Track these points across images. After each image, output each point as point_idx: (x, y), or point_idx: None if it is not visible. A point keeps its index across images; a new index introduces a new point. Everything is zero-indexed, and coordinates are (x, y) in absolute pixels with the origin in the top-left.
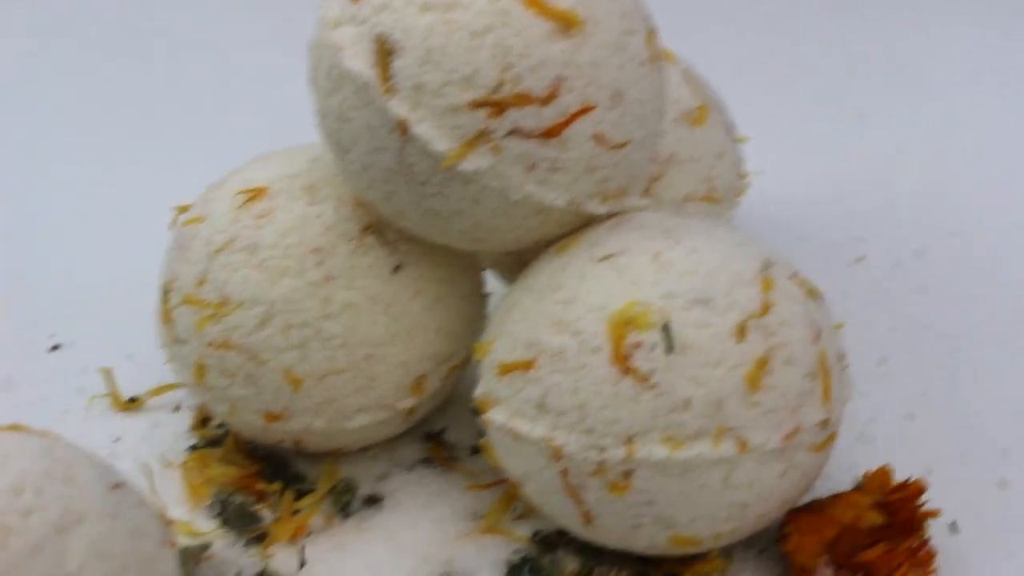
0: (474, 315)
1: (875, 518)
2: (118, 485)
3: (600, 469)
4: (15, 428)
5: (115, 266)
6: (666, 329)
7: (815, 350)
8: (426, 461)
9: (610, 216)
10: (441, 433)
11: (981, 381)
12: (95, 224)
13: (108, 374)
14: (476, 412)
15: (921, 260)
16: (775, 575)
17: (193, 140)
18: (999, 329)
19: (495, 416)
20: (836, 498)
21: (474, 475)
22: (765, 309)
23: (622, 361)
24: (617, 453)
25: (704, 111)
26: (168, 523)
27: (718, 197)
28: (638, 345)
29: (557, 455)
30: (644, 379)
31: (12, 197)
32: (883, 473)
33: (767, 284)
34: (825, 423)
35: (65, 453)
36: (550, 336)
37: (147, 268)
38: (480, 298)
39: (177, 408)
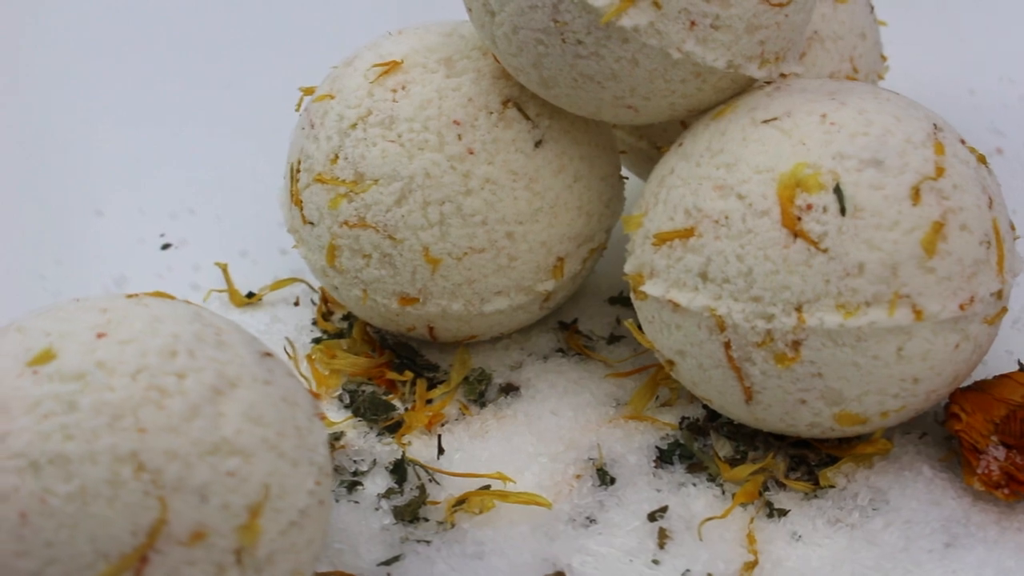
0: (612, 196)
1: None
2: (267, 353)
3: (767, 339)
4: (160, 295)
5: (220, 166)
6: (838, 190)
7: (989, 217)
8: (561, 351)
9: (767, 83)
10: (574, 323)
11: None
12: (197, 124)
13: (224, 269)
14: (616, 299)
15: None
16: (937, 458)
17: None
18: None
19: (651, 289)
20: (1002, 378)
21: (612, 364)
22: (939, 172)
23: (792, 224)
24: (787, 321)
25: None
26: (316, 396)
27: (860, 77)
28: (809, 207)
29: (721, 326)
30: (816, 242)
31: (112, 103)
32: None
33: (939, 147)
34: (999, 294)
35: (214, 319)
36: (713, 201)
37: (252, 166)
38: (618, 180)
39: (296, 302)
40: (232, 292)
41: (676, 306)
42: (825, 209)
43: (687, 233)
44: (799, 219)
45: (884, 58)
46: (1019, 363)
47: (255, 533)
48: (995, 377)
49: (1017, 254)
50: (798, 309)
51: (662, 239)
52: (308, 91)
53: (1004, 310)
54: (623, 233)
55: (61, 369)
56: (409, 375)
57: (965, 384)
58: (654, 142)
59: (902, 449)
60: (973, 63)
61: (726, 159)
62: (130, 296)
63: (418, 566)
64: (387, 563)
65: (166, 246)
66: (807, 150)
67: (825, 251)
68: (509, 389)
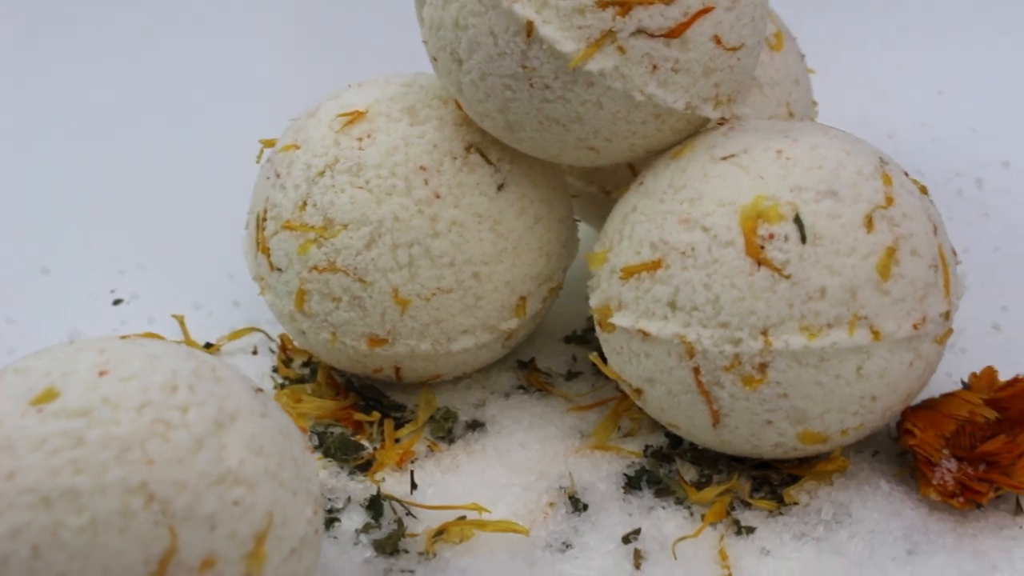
0: (568, 238)
1: (989, 413)
2: (259, 389)
3: (735, 363)
4: (151, 335)
5: (165, 221)
6: (798, 220)
7: (935, 243)
8: (522, 388)
9: (720, 123)
10: (532, 362)
11: None
12: (141, 180)
13: (181, 321)
14: (571, 338)
15: (982, 189)
16: (892, 473)
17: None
18: None
19: (620, 320)
20: (949, 396)
21: (572, 398)
22: (889, 201)
23: (756, 252)
24: (754, 345)
25: (780, 37)
26: (303, 431)
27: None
28: (771, 237)
29: (690, 352)
30: (779, 269)
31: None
32: (989, 373)
33: (887, 179)
34: (947, 315)
35: (206, 357)
36: (678, 234)
37: (198, 220)
38: (572, 223)
39: (255, 351)
40: (189, 343)
41: (646, 335)
42: (787, 238)
43: (655, 265)
44: (762, 248)
45: (815, 103)
46: (962, 382)
47: (261, 560)
48: (942, 395)
49: (959, 278)
50: (764, 333)
51: (629, 272)
52: (268, 143)
53: (950, 331)
54: (586, 271)
55: (66, 406)
56: (376, 415)
57: (915, 403)
58: (603, 187)
59: (858, 467)
60: (891, 109)
61: (689, 194)
62: (123, 337)
63: None
64: None
65: (117, 301)
66: (766, 183)
67: (788, 277)
68: (475, 425)
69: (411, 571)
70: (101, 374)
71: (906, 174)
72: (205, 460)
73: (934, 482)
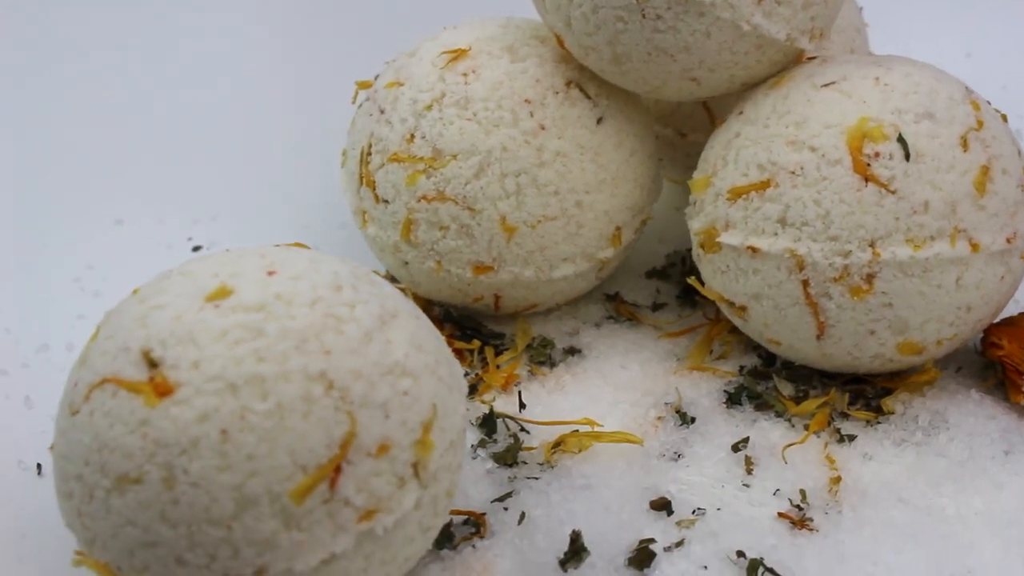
0: (657, 173)
1: None
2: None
3: (844, 274)
4: (300, 245)
5: (236, 173)
6: (902, 139)
7: (1020, 163)
8: (611, 318)
9: (810, 58)
10: (618, 295)
11: None
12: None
13: None
14: (652, 273)
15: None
16: (980, 384)
17: None
18: None
19: (728, 239)
20: None
21: (661, 326)
22: (980, 124)
23: (863, 170)
24: (862, 256)
25: None
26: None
27: None
28: (877, 155)
29: (800, 265)
30: (885, 184)
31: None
32: None
33: (975, 105)
34: None
35: (355, 264)
36: (786, 155)
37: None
38: (658, 160)
39: None
40: None
41: (755, 251)
42: (891, 156)
43: (764, 185)
44: (869, 165)
45: (871, 54)
46: None
47: (429, 448)
48: (1021, 313)
49: None
50: (872, 245)
51: (737, 193)
52: (364, 84)
53: None
54: (659, 214)
55: (242, 302)
56: (477, 343)
57: (996, 321)
58: (679, 129)
59: (947, 380)
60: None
61: (795, 118)
62: (276, 245)
63: (533, 498)
64: (501, 499)
65: (197, 248)
66: (868, 107)
67: (894, 192)
68: (573, 351)
69: (536, 478)
70: (270, 274)
71: (988, 102)
72: (376, 352)
73: (1023, 389)
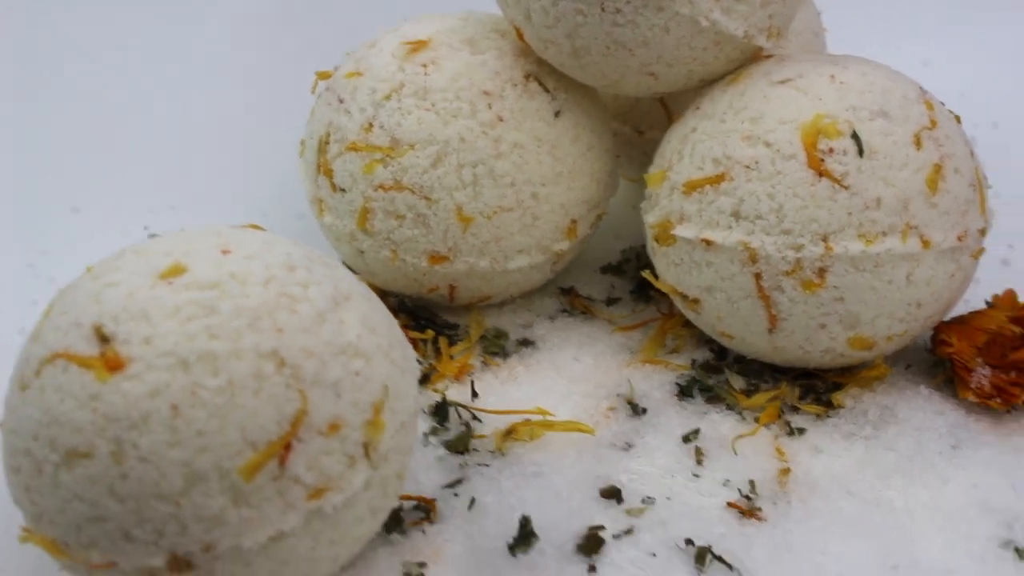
0: (613, 168)
1: (1015, 329)
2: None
3: (796, 268)
4: (254, 227)
5: (197, 163)
6: (856, 136)
7: (972, 164)
8: (566, 311)
9: (767, 56)
10: (572, 289)
11: None
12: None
13: None
14: (607, 268)
15: (976, 145)
16: (929, 381)
17: None
18: None
19: (683, 232)
20: (976, 313)
21: (615, 320)
22: (933, 124)
23: (817, 165)
24: (815, 250)
25: None
26: None
27: None
28: (831, 151)
29: (753, 258)
30: (839, 180)
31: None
32: (1010, 294)
33: (929, 105)
34: (983, 231)
35: (310, 247)
36: (742, 149)
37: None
38: (615, 156)
39: None
40: None
41: (709, 244)
42: (845, 152)
43: (718, 179)
44: (823, 161)
45: None
46: (986, 302)
47: (380, 428)
48: (970, 313)
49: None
50: (824, 239)
51: (693, 186)
52: (324, 75)
53: (983, 249)
54: (614, 214)
55: (196, 279)
56: (431, 333)
57: (946, 319)
58: (637, 127)
59: (896, 376)
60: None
61: (750, 114)
62: (231, 227)
63: (484, 485)
64: (451, 485)
65: (154, 235)
66: (823, 103)
67: (847, 187)
68: (526, 343)
69: (487, 465)
70: (224, 252)
71: (942, 103)
72: (328, 332)
73: (972, 385)
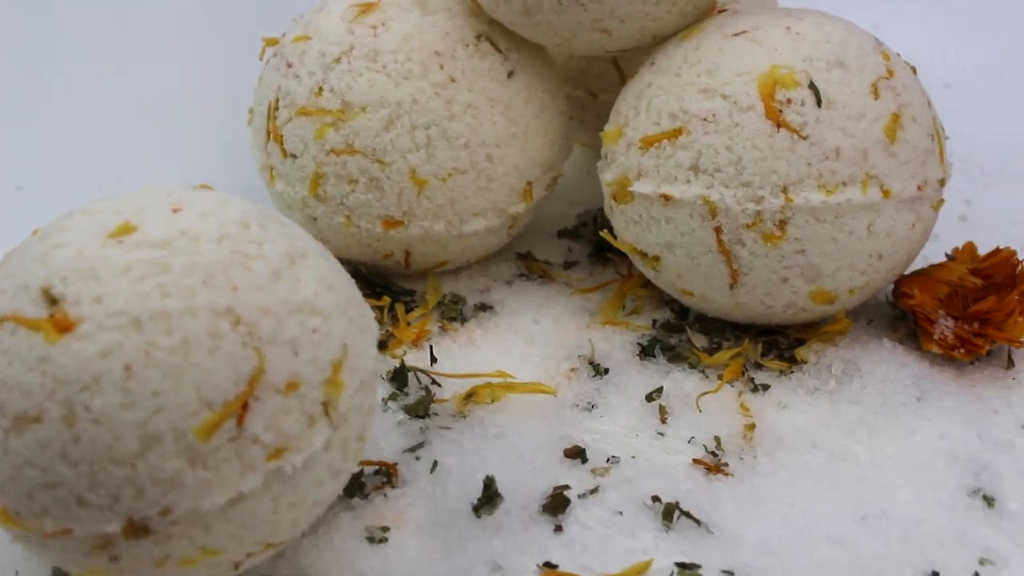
0: (567, 130)
1: (976, 280)
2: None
3: (756, 220)
4: (205, 187)
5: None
6: (813, 86)
7: (930, 114)
8: (523, 276)
9: (720, 11)
10: (529, 254)
11: None
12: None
13: None
14: (564, 232)
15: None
16: (891, 334)
17: None
18: None
19: (641, 187)
20: (937, 266)
21: (573, 283)
22: (890, 73)
23: (775, 116)
24: (775, 202)
25: None
26: None
27: None
28: (789, 102)
29: (713, 212)
30: (797, 131)
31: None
32: (970, 247)
33: (885, 55)
34: (942, 181)
35: (264, 205)
36: (698, 102)
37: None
38: (568, 118)
39: None
40: None
41: (668, 199)
42: (803, 102)
43: (676, 133)
44: (780, 112)
45: None
46: (946, 255)
47: (339, 387)
48: (930, 266)
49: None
50: (784, 191)
51: (649, 142)
52: (271, 41)
53: (942, 200)
54: (569, 178)
55: (146, 238)
56: (387, 300)
57: (907, 273)
58: (590, 89)
59: (858, 331)
60: None
61: (706, 67)
62: (183, 186)
63: (445, 448)
64: (412, 449)
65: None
66: (779, 54)
67: (806, 138)
68: (484, 307)
69: (448, 428)
70: (175, 211)
71: (898, 54)
72: (284, 289)
73: (935, 337)
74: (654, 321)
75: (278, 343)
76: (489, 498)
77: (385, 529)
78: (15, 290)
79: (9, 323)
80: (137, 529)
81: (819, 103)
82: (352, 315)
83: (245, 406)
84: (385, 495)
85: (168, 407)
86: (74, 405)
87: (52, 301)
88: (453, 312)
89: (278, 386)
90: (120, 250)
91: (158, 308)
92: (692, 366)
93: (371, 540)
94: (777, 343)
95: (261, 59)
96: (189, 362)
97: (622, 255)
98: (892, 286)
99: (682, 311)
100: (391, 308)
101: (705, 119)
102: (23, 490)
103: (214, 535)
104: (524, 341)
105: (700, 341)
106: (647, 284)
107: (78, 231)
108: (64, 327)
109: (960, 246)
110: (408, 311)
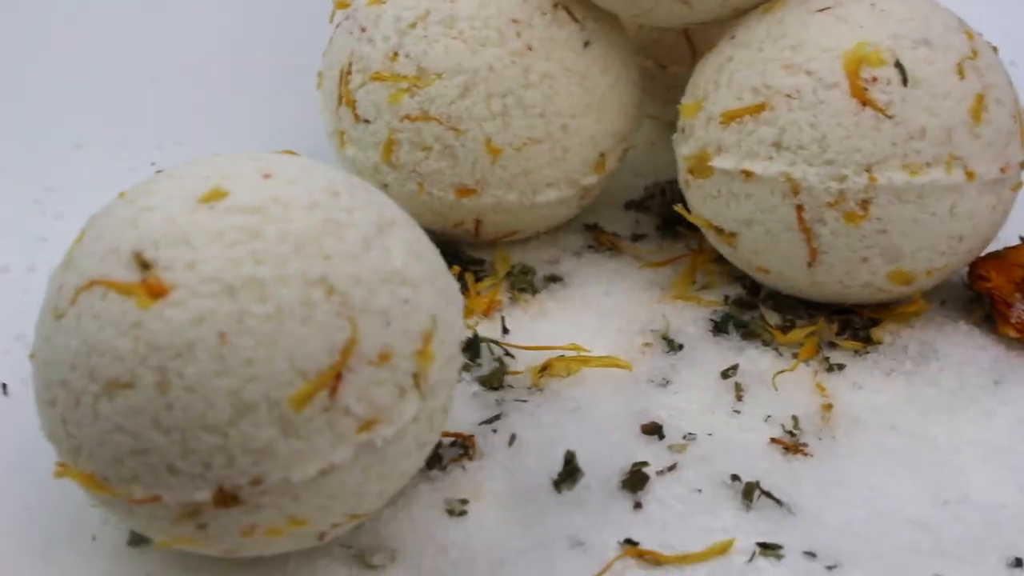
0: (640, 101)
1: None
2: None
3: (839, 199)
4: (290, 152)
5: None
6: (899, 65)
7: (1012, 94)
8: (592, 247)
9: None
10: (597, 225)
11: None
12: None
13: None
14: (631, 204)
15: None
16: (967, 317)
17: None
18: None
19: (721, 163)
20: (1013, 249)
21: (643, 256)
22: (975, 53)
23: (860, 94)
24: (858, 181)
25: None
26: None
27: None
28: (874, 80)
29: (795, 190)
30: (883, 109)
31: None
32: None
33: (969, 34)
34: (1023, 164)
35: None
36: (782, 78)
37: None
38: (641, 89)
39: None
40: None
41: (748, 175)
42: (889, 81)
43: (759, 108)
44: (866, 90)
45: None
46: (1020, 237)
47: (429, 358)
48: (1005, 248)
49: None
50: (868, 170)
51: (730, 116)
52: (342, 4)
53: (1022, 183)
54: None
55: (237, 204)
56: (457, 269)
57: (982, 255)
58: (660, 61)
59: (933, 313)
60: None
61: (790, 42)
62: (267, 152)
63: (522, 421)
64: (489, 421)
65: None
66: (865, 31)
67: (891, 117)
68: (554, 279)
69: (524, 400)
70: (265, 177)
71: (980, 34)
72: (375, 259)
73: (1012, 320)
74: (726, 297)
75: (370, 313)
76: (570, 473)
77: (464, 502)
78: (104, 254)
79: (99, 287)
80: (227, 498)
81: (905, 82)
82: (440, 286)
83: (338, 376)
84: (463, 467)
85: (262, 376)
86: (167, 372)
87: (144, 266)
88: (523, 283)
89: (370, 357)
90: (211, 216)
91: (251, 275)
92: (766, 344)
93: (451, 513)
94: (851, 323)
95: (331, 22)
96: (283, 331)
97: (693, 228)
98: (967, 268)
99: (754, 287)
100: (461, 277)
101: (789, 95)
102: (112, 456)
103: (303, 506)
104: (596, 314)
105: (773, 319)
106: (719, 259)
107: (166, 195)
108: (157, 292)
109: None
110: (478, 280)
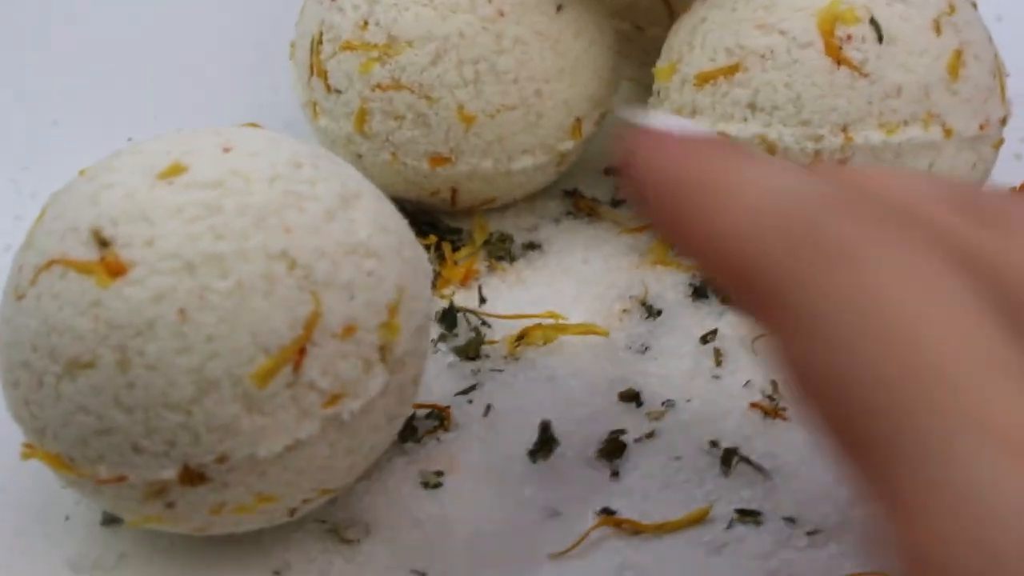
0: (616, 65)
1: None
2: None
3: (815, 159)
4: (254, 126)
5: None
6: (874, 22)
7: (992, 50)
8: (570, 214)
9: None
10: (576, 191)
11: None
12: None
13: None
14: (611, 170)
15: None
16: None
17: None
18: None
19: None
20: None
21: (621, 222)
22: (952, 9)
23: (835, 52)
24: (835, 141)
25: None
26: None
27: None
28: (849, 38)
29: (771, 150)
30: (858, 68)
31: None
32: None
33: None
34: (1003, 120)
35: (314, 144)
36: (756, 38)
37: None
38: (616, 53)
39: None
40: None
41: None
42: (863, 39)
43: (732, 69)
44: (841, 48)
45: None
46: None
47: (395, 331)
48: None
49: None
50: (844, 129)
51: (704, 78)
52: None
53: (1003, 139)
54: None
55: (196, 178)
56: (433, 238)
57: None
58: (636, 23)
59: None
60: None
61: (763, 2)
62: (231, 126)
63: (498, 391)
64: (465, 392)
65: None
66: None
67: (867, 75)
68: (532, 246)
69: (500, 370)
70: (225, 151)
71: None
72: (338, 231)
73: None
74: None
75: (334, 286)
76: (545, 443)
77: (439, 474)
78: (63, 232)
79: (59, 266)
80: (193, 476)
81: (880, 39)
82: (407, 256)
83: (302, 351)
84: (438, 439)
85: (224, 352)
86: (128, 350)
87: (103, 243)
88: (501, 251)
89: (334, 331)
90: (171, 191)
91: (211, 251)
92: None
93: (426, 485)
94: None
95: None
96: (244, 306)
97: None
98: None
99: None
100: (438, 247)
101: (763, 55)
102: (77, 436)
103: (271, 482)
104: (574, 281)
105: None
106: None
107: (127, 172)
108: (116, 271)
109: (1017, 185)
110: (455, 250)
